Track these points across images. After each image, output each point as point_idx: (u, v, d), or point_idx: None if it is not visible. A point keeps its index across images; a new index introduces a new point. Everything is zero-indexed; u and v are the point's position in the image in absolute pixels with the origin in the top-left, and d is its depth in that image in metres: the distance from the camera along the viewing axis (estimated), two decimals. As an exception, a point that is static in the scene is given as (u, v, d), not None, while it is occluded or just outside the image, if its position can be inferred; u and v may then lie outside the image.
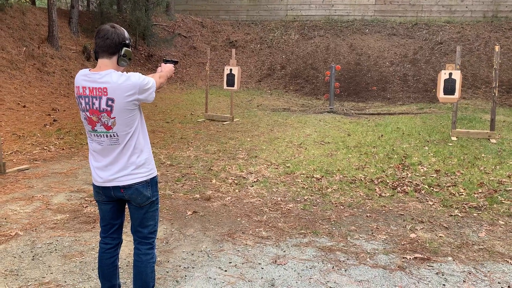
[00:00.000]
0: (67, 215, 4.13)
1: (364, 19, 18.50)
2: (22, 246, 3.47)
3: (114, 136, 2.27)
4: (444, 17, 17.80)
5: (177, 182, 5.23)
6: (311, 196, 4.79)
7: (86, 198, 4.59)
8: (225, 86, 9.97)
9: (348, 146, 7.21)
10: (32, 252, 3.37)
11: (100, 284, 2.61)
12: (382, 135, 8.18)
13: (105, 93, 2.19)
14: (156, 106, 11.41)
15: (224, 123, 9.58)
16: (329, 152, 6.81)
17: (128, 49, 2.31)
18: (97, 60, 2.30)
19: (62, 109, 9.84)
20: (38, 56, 12.12)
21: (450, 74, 7.74)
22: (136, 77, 2.25)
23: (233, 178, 5.41)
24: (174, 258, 3.31)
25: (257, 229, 3.88)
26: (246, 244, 3.59)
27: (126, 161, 2.31)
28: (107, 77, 2.20)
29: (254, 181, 5.27)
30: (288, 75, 16.52)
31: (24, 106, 9.46)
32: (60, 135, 7.53)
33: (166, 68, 2.60)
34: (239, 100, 13.18)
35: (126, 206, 2.53)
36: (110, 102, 2.20)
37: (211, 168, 5.87)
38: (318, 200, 4.66)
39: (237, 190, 4.95)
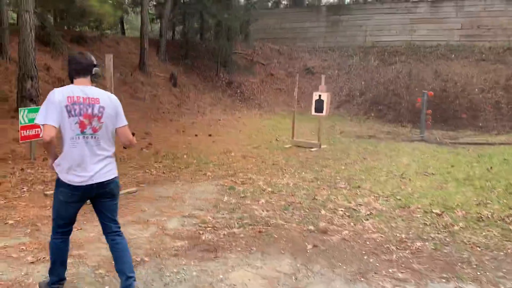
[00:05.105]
0: (186, 242, 4.05)
1: (449, 44, 17.68)
2: (151, 273, 3.40)
3: (97, 138, 2.79)
4: (540, 40, 16.57)
5: (285, 211, 5.03)
6: (438, 234, 4.36)
7: (200, 224, 4.51)
8: (313, 112, 9.81)
9: (457, 179, 6.65)
10: (162, 280, 3.30)
11: (56, 267, 2.96)
12: (491, 167, 7.51)
13: (98, 102, 2.78)
14: (240, 131, 11.48)
15: (312, 149, 9.36)
16: (438, 185, 6.31)
17: (97, 68, 2.88)
18: (72, 81, 2.83)
19: (155, 133, 10.16)
20: (130, 82, 12.77)
21: None
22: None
23: (342, 209, 5.12)
24: (310, 298, 3.07)
25: (390, 270, 3.55)
26: (384, 286, 3.27)
27: (104, 159, 2.83)
28: (96, 91, 2.81)
29: (368, 214, 4.94)
30: (368, 101, 16.07)
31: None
32: (157, 159, 7.70)
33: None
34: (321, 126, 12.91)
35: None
36: (101, 109, 2.78)
37: (315, 197, 5.62)
38: (447, 239, 4.22)
39: (352, 224, 4.65)
